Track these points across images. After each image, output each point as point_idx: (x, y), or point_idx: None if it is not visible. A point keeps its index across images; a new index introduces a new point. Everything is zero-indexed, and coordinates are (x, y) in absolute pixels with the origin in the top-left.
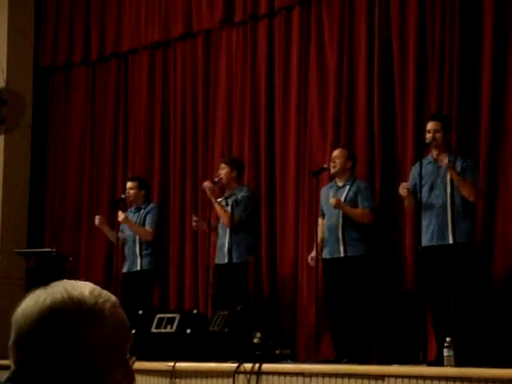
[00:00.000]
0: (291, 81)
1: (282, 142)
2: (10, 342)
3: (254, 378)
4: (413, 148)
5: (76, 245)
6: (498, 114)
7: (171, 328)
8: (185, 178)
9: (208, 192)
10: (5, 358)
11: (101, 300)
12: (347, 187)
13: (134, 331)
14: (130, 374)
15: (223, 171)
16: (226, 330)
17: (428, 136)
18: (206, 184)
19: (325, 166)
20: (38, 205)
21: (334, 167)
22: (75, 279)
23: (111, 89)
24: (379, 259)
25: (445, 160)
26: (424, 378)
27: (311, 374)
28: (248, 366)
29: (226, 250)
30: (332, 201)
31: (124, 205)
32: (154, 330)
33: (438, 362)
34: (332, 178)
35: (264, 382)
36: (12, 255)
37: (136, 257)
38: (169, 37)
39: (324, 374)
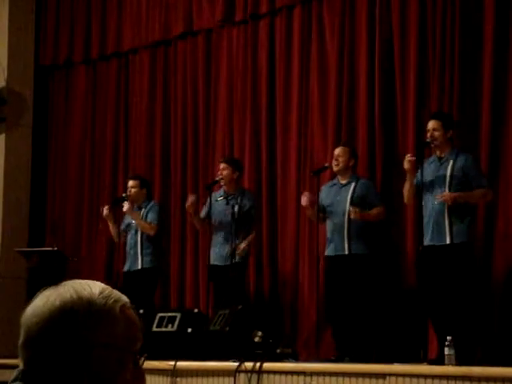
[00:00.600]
0: (292, 80)
1: (283, 140)
2: (20, 342)
3: (254, 377)
4: (414, 146)
5: (77, 244)
6: (498, 112)
7: (172, 327)
8: (185, 178)
9: (189, 206)
10: (7, 357)
11: (111, 300)
12: (352, 185)
13: None
14: (140, 374)
15: (225, 171)
16: (227, 329)
17: (428, 135)
18: (191, 199)
19: (326, 164)
20: (39, 204)
21: (337, 165)
22: (76, 278)
23: (112, 88)
24: (381, 258)
25: (448, 201)
26: (425, 376)
27: (312, 373)
28: (249, 364)
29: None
30: (353, 216)
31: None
32: (155, 328)
33: (439, 360)
34: (333, 176)
35: (265, 380)
36: (13, 254)
37: (137, 256)
38: (169, 36)
39: (325, 373)
